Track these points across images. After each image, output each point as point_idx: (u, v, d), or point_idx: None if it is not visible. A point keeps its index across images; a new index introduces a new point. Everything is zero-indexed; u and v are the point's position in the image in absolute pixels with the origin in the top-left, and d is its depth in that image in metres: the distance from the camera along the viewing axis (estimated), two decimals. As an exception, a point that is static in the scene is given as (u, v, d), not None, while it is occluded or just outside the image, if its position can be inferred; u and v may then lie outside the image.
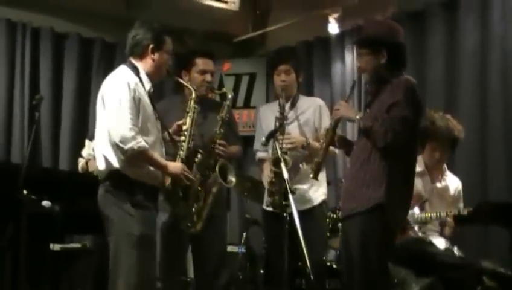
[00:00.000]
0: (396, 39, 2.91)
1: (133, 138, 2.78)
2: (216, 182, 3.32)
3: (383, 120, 2.76)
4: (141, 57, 2.98)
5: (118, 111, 2.80)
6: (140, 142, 2.80)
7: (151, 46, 2.96)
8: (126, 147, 2.76)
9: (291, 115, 3.72)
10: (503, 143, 4.13)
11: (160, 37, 2.99)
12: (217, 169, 3.31)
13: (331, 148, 3.27)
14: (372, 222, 2.79)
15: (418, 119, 2.85)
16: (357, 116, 2.91)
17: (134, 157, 2.81)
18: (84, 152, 4.31)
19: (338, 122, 3.05)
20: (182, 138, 3.19)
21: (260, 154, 3.84)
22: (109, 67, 3.08)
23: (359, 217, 2.82)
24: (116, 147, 2.79)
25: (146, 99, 2.92)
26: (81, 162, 4.31)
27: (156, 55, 2.97)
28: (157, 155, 2.93)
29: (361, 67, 2.96)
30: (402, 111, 2.73)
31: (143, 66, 2.97)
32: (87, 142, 4.31)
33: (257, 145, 3.85)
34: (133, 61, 2.99)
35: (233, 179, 3.35)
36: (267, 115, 3.79)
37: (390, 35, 2.90)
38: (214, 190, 3.31)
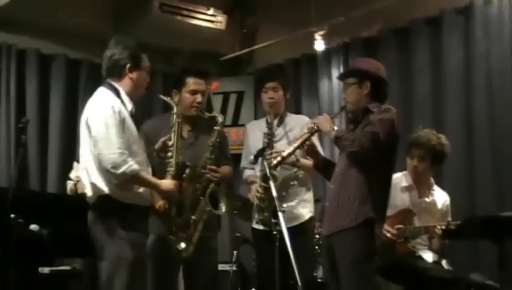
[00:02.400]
0: (381, 74, 3.11)
1: (125, 161, 2.76)
2: (206, 209, 3.30)
3: (355, 132, 2.94)
4: (120, 77, 2.93)
5: (106, 136, 2.77)
6: (132, 165, 2.78)
7: (128, 65, 2.92)
8: (118, 172, 2.75)
9: (279, 132, 3.74)
10: (490, 158, 4.17)
11: (137, 55, 2.95)
12: (207, 196, 3.29)
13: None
14: (363, 236, 2.91)
15: (392, 141, 2.98)
16: (332, 129, 3.05)
17: (127, 181, 2.80)
18: (73, 174, 4.29)
19: (315, 130, 3.16)
20: (169, 154, 3.19)
21: (247, 172, 3.85)
22: (96, 88, 3.03)
23: (349, 231, 2.92)
24: (108, 173, 2.77)
25: (130, 121, 2.90)
26: (69, 184, 4.28)
27: (135, 74, 2.93)
28: (149, 175, 2.92)
29: (346, 97, 3.14)
30: (374, 128, 2.89)
31: (122, 86, 2.93)
32: (75, 164, 4.29)
33: (244, 162, 3.86)
34: (112, 82, 2.94)
35: (224, 207, 3.33)
36: (254, 133, 3.80)
37: (374, 69, 3.11)
38: (204, 216, 3.30)
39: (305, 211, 3.72)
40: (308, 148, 3.23)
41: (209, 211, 3.29)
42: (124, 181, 2.79)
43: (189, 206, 3.27)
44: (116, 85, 2.93)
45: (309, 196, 3.80)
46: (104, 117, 2.79)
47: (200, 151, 3.43)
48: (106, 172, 2.78)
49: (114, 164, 2.75)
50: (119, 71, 2.92)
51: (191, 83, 3.48)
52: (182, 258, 3.27)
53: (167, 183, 3.02)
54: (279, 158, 3.19)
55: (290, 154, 3.20)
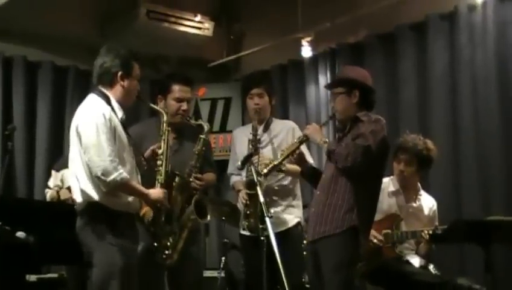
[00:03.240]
0: (368, 82, 3.13)
1: (115, 169, 2.76)
2: (191, 217, 3.29)
3: (347, 145, 2.95)
4: (111, 84, 2.94)
5: (97, 143, 2.76)
6: (122, 173, 2.78)
7: (120, 73, 2.92)
8: (108, 179, 2.74)
9: (264, 138, 3.75)
10: (475, 162, 4.21)
11: (128, 63, 2.95)
12: (192, 204, 3.28)
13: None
14: (347, 242, 2.94)
15: (382, 152, 3.01)
16: (322, 140, 3.08)
17: (116, 189, 2.79)
18: (51, 182, 4.25)
19: (305, 139, 3.19)
20: (159, 162, 3.19)
21: (234, 178, 3.85)
22: (83, 95, 3.03)
23: (334, 238, 2.95)
24: (98, 180, 2.76)
25: (120, 128, 2.90)
26: (49, 192, 4.23)
27: (126, 82, 2.94)
28: (138, 184, 2.92)
29: (334, 106, 3.15)
30: (366, 141, 2.91)
31: (113, 94, 2.94)
32: (53, 172, 4.25)
33: (231, 168, 3.86)
34: (103, 89, 2.94)
35: (208, 216, 3.33)
36: (240, 139, 3.81)
37: (362, 78, 3.13)
38: (189, 224, 3.29)
39: (291, 217, 3.72)
40: (297, 157, 3.24)
41: (195, 219, 3.28)
42: (113, 189, 2.78)
43: (173, 215, 3.26)
44: (107, 92, 2.93)
45: (296, 202, 3.81)
46: (95, 124, 2.78)
47: (184, 158, 3.42)
48: (96, 179, 2.77)
49: (104, 171, 2.74)
50: (110, 79, 2.93)
51: (177, 90, 3.47)
52: (166, 265, 3.26)
53: (156, 192, 3.01)
54: (269, 167, 3.18)
55: (280, 163, 3.20)
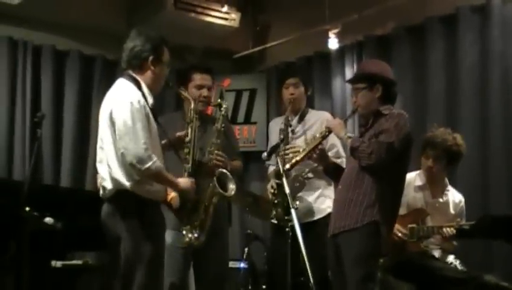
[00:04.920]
0: (390, 76, 3.12)
1: (150, 157, 2.72)
2: (215, 192, 3.30)
3: (370, 142, 2.94)
4: (141, 69, 2.87)
5: (133, 131, 2.71)
6: (156, 161, 2.74)
7: (151, 58, 2.86)
8: (143, 167, 2.70)
9: (299, 128, 3.74)
10: (505, 158, 4.13)
11: (160, 47, 2.90)
12: (215, 179, 3.28)
13: None
14: (367, 236, 2.93)
15: (405, 148, 2.99)
16: (346, 135, 3.06)
17: (149, 177, 2.76)
18: None
19: (327, 134, 3.17)
20: (186, 150, 3.19)
21: (271, 168, 3.85)
22: (110, 84, 2.99)
23: (354, 232, 2.95)
24: (132, 168, 2.72)
25: (151, 115, 2.85)
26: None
27: (156, 67, 2.89)
28: (168, 173, 2.88)
29: (356, 101, 3.13)
30: (389, 138, 2.90)
31: (143, 79, 2.87)
32: None
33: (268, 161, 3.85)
34: (133, 74, 2.88)
35: (233, 187, 3.25)
36: (275, 129, 3.80)
37: (384, 72, 3.12)
38: (215, 200, 3.28)
39: (323, 206, 3.70)
40: (318, 153, 3.22)
41: (218, 193, 3.26)
42: (146, 177, 2.75)
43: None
44: (137, 77, 2.87)
45: (329, 191, 3.77)
46: (130, 111, 2.73)
47: (206, 145, 3.44)
48: (130, 167, 2.73)
49: (139, 159, 2.70)
50: (140, 63, 2.87)
51: (198, 78, 3.53)
52: (194, 247, 3.26)
53: (185, 181, 2.98)
54: (293, 161, 3.17)
55: (303, 158, 3.19)
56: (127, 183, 2.77)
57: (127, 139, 2.72)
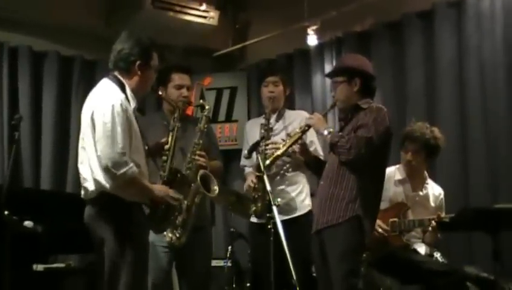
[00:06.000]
0: (369, 70, 3.12)
1: (126, 163, 2.67)
2: (198, 192, 3.30)
3: (349, 137, 2.94)
4: (127, 72, 2.83)
5: (111, 134, 2.66)
6: (132, 167, 2.69)
7: (138, 62, 2.82)
8: (118, 172, 2.65)
9: (277, 126, 3.74)
10: (483, 150, 4.19)
11: (148, 52, 2.85)
12: (198, 179, 3.28)
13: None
14: (351, 231, 2.94)
15: (385, 142, 3.00)
16: (326, 131, 3.05)
17: (124, 182, 2.70)
18: None
19: (307, 129, 3.18)
20: (164, 158, 3.17)
21: (247, 170, 3.84)
22: (89, 85, 2.99)
23: (337, 227, 2.95)
24: (107, 172, 2.67)
25: (133, 119, 2.80)
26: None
27: (143, 72, 2.84)
28: (144, 179, 2.84)
29: (335, 95, 3.14)
30: (368, 133, 2.91)
31: (129, 82, 2.83)
32: None
33: (244, 160, 3.85)
34: (119, 76, 2.84)
35: (216, 188, 3.29)
36: (253, 129, 3.80)
37: (363, 66, 3.12)
38: (197, 200, 3.28)
39: (304, 204, 3.71)
40: (299, 147, 3.24)
41: (202, 193, 3.26)
42: (120, 182, 2.69)
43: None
44: (123, 80, 2.84)
45: (309, 188, 3.79)
46: (111, 114, 2.68)
47: (187, 145, 3.44)
48: (104, 171, 2.68)
49: (114, 164, 2.65)
50: (127, 67, 2.83)
51: (176, 78, 3.54)
52: (175, 247, 3.26)
53: (160, 188, 2.93)
54: (274, 156, 3.19)
55: (283, 153, 3.20)
56: (107, 185, 2.71)
57: (104, 142, 2.68)
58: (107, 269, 2.76)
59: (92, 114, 2.75)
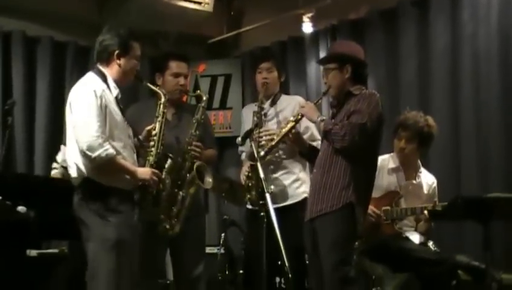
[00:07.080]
0: (360, 56, 3.13)
1: (100, 145, 2.79)
2: (193, 183, 3.32)
3: (343, 124, 2.95)
4: (108, 63, 3.00)
5: (85, 119, 2.82)
6: (108, 149, 2.81)
7: (116, 52, 2.97)
8: (94, 155, 2.78)
9: (271, 112, 3.75)
10: (476, 140, 4.20)
11: (127, 43, 3.00)
12: (194, 170, 3.30)
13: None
14: (344, 219, 2.96)
15: (378, 128, 3.01)
16: (319, 119, 3.06)
17: (102, 165, 2.82)
18: (59, 157, 4.24)
19: (300, 118, 3.19)
20: (151, 143, 3.20)
21: (244, 156, 3.85)
22: (83, 71, 3.09)
23: (330, 215, 2.97)
24: (84, 156, 2.81)
25: (113, 106, 2.93)
26: (58, 169, 4.23)
27: (122, 61, 2.98)
28: (126, 161, 2.93)
29: (327, 82, 3.14)
30: (362, 119, 2.92)
31: (110, 72, 3.00)
32: (62, 147, 4.23)
33: (241, 146, 3.85)
34: (100, 67, 3.01)
35: (211, 180, 3.36)
36: (250, 115, 3.80)
37: (354, 52, 3.12)
38: (192, 191, 3.32)
39: (299, 191, 3.71)
40: (293, 137, 3.24)
41: (197, 185, 3.27)
42: (98, 165, 2.81)
43: (176, 184, 3.29)
44: (104, 70, 2.99)
45: (305, 175, 3.79)
46: (85, 100, 2.85)
47: (182, 133, 3.45)
48: (81, 155, 2.81)
49: (89, 147, 2.78)
50: (107, 57, 2.98)
51: (174, 66, 3.54)
52: (168, 237, 3.28)
53: (144, 171, 3.01)
54: (268, 146, 3.20)
55: (277, 143, 3.21)
56: (85, 171, 2.85)
57: (79, 127, 2.83)
58: (89, 255, 2.88)
59: (70, 104, 2.92)
